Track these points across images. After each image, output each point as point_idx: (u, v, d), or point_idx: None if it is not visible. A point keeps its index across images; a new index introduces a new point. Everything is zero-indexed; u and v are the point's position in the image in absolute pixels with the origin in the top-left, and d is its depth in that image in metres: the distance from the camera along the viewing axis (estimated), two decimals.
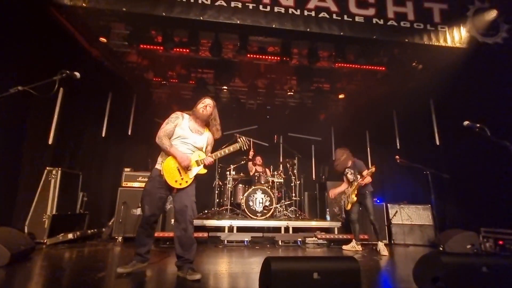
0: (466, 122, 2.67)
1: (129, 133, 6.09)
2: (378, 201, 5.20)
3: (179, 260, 2.46)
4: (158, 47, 4.94)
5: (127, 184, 4.58)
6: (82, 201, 4.63)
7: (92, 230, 4.51)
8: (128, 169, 4.66)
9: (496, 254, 3.80)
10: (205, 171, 2.57)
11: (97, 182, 5.30)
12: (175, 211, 2.51)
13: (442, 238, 4.22)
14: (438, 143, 5.43)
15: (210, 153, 2.69)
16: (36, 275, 2.57)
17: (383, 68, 5.45)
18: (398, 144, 6.30)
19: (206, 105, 2.59)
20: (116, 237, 4.32)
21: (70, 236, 3.91)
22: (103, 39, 4.37)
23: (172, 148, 2.44)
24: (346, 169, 4.36)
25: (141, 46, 4.77)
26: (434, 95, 5.50)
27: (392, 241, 4.93)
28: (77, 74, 2.08)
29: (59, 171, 4.07)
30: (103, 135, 5.45)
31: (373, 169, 4.03)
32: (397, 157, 4.58)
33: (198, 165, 2.53)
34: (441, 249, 3.91)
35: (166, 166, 2.45)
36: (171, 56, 5.72)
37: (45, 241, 3.75)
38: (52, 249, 3.59)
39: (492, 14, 4.27)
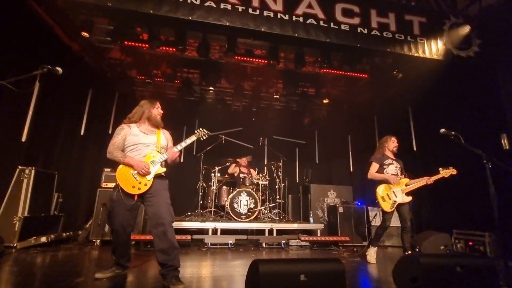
0: (442, 130, 2.83)
1: (110, 132, 5.87)
2: (360, 204, 5.36)
3: (163, 268, 2.27)
4: (143, 45, 4.83)
5: (107, 185, 4.40)
6: (57, 202, 4.41)
7: (68, 233, 4.28)
8: (109, 170, 4.48)
9: (468, 255, 4.03)
10: (163, 170, 2.46)
11: (74, 183, 5.06)
12: (150, 216, 2.37)
13: (418, 240, 4.41)
14: (415, 149, 5.70)
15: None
16: (4, 282, 2.39)
17: (366, 76, 5.67)
18: None
19: (160, 111, 2.62)
20: (94, 240, 4.13)
21: (43, 239, 3.70)
22: (85, 34, 4.19)
23: (126, 159, 2.37)
24: (390, 160, 3.62)
25: (126, 42, 4.63)
26: (412, 102, 5.79)
27: None
28: (59, 69, 1.99)
29: (33, 171, 3.85)
30: (82, 133, 5.22)
31: (454, 171, 3.38)
32: None
33: (154, 165, 2.43)
34: (417, 250, 4.09)
35: (119, 175, 2.37)
36: (156, 55, 5.61)
37: (15, 245, 3.52)
38: (23, 254, 3.37)
39: (466, 29, 4.57)
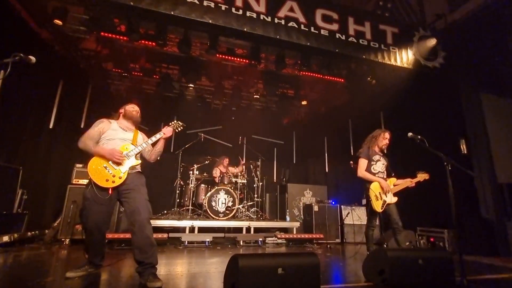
0: (410, 134, 3.05)
1: (82, 126, 5.59)
2: (333, 203, 5.59)
3: (140, 266, 2.23)
4: (121, 37, 4.66)
5: (78, 181, 4.20)
6: (21, 199, 4.11)
7: (33, 232, 4.03)
8: (80, 165, 4.28)
9: (429, 249, 4.37)
10: (138, 162, 2.45)
11: (41, 179, 4.75)
12: (127, 213, 2.33)
13: (386, 236, 4.71)
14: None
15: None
16: None
17: (342, 80, 5.91)
18: (352, 151, 6.85)
19: (135, 108, 2.63)
20: (63, 239, 3.92)
21: (5, 238, 3.45)
22: (58, 22, 3.96)
23: (96, 148, 2.33)
24: (378, 156, 3.38)
25: (102, 34, 4.44)
26: (384, 108, 6.13)
27: (344, 240, 5.33)
28: (33, 58, 1.89)
29: None
30: (51, 126, 4.92)
31: (427, 176, 3.33)
32: (351, 162, 4.99)
33: (128, 157, 2.39)
34: (385, 246, 4.36)
35: (91, 169, 2.29)
36: (135, 48, 5.44)
37: None
38: None
39: (433, 41, 4.94)
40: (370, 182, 3.24)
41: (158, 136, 2.53)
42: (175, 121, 2.68)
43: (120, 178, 2.32)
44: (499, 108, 5.06)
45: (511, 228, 4.30)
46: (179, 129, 2.70)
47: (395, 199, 3.27)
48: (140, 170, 2.52)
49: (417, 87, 5.16)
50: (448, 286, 2.29)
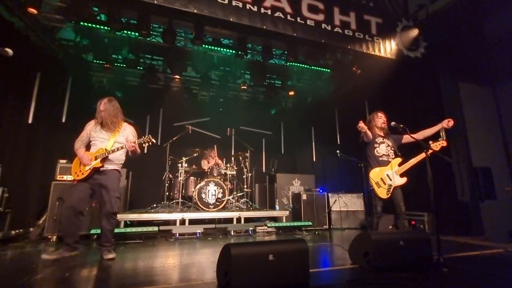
0: (393, 123, 3.16)
1: (63, 121, 5.40)
2: (321, 191, 5.75)
3: (99, 244, 2.93)
4: (102, 26, 4.49)
5: (62, 177, 4.09)
6: (1, 198, 3.97)
7: (17, 231, 3.92)
8: (64, 161, 4.16)
9: (409, 232, 4.60)
10: (100, 164, 2.87)
11: (22, 176, 4.58)
12: (99, 204, 2.98)
13: (371, 221, 4.92)
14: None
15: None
16: None
17: (328, 70, 5.98)
18: (338, 140, 7.01)
19: (99, 111, 2.99)
20: (50, 237, 3.85)
21: None
22: (32, 10, 3.75)
23: (78, 151, 2.91)
24: (381, 138, 3.33)
25: (81, 23, 4.25)
26: (369, 97, 6.28)
27: (332, 226, 5.53)
28: (9, 50, 1.80)
29: None
30: (30, 121, 4.72)
31: (445, 143, 3.09)
32: (337, 151, 5.13)
33: (95, 159, 2.88)
34: (369, 230, 4.56)
35: (74, 162, 2.97)
36: (116, 38, 5.25)
37: None
38: None
39: (415, 32, 5.06)
40: (370, 169, 3.25)
41: (120, 147, 2.93)
42: (146, 136, 2.94)
43: (83, 174, 2.87)
44: (476, 96, 5.30)
45: (484, 209, 4.60)
46: (147, 144, 2.99)
47: (403, 181, 3.16)
48: (117, 168, 2.99)
49: (399, 76, 5.30)
50: (427, 264, 2.46)
